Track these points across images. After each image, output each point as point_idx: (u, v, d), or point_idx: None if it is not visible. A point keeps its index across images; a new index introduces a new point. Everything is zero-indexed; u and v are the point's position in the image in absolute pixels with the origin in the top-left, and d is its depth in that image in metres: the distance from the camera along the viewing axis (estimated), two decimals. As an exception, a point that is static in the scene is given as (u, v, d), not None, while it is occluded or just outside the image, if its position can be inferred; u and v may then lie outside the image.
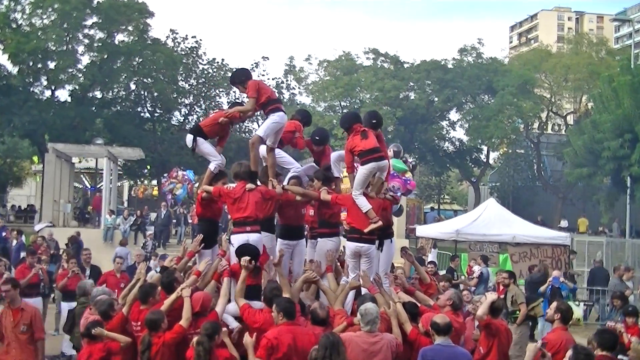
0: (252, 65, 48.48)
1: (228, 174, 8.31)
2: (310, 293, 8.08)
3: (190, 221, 26.76)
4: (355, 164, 8.08)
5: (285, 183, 8.37)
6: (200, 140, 8.25)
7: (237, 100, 8.70)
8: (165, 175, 32.29)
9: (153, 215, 28.70)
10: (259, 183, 8.05)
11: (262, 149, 8.32)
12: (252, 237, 7.62)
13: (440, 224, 25.61)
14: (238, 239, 7.66)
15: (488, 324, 7.43)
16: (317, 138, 8.94)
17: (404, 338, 6.92)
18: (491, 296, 7.76)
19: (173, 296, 7.05)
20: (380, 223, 7.76)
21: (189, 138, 8.28)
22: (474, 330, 8.12)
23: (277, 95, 8.38)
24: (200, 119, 47.31)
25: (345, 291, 7.59)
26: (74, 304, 12.22)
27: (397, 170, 10.11)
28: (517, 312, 11.97)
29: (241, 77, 8.31)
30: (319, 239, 8.55)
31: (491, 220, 20.62)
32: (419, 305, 7.59)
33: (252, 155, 8.05)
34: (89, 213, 32.24)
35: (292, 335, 6.36)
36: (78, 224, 28.05)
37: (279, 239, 8.53)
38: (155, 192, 41.58)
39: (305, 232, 8.90)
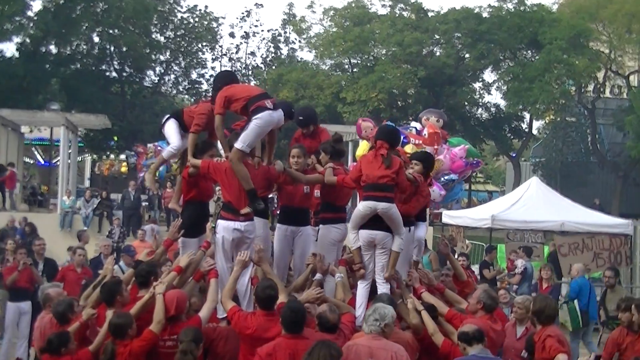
0: (242, 14, 48.47)
1: (217, 146, 8.29)
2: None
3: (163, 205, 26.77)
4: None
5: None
6: (170, 120, 8.47)
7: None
8: (132, 153, 32.16)
9: (119, 198, 28.72)
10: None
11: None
12: (245, 226, 7.68)
13: (472, 209, 25.57)
14: (227, 227, 7.67)
15: None
16: (300, 118, 8.90)
17: (434, 350, 6.90)
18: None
19: (146, 296, 7.03)
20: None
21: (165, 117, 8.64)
22: (516, 338, 8.10)
23: (258, 91, 8.11)
24: (179, 79, 47.40)
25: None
26: (24, 305, 12.30)
27: (472, 155, 9.94)
28: None
29: (217, 84, 8.33)
30: (320, 226, 8.54)
31: (534, 203, 20.54)
32: (437, 309, 7.55)
33: (238, 171, 7.74)
34: (42, 194, 32.24)
35: (291, 352, 6.30)
36: (29, 208, 28.06)
37: (277, 224, 8.54)
38: (124, 169, 41.54)
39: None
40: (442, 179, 9.38)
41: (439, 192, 9.35)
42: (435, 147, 9.21)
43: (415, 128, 9.56)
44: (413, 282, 7.97)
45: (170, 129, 8.44)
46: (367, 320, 6.49)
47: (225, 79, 8.42)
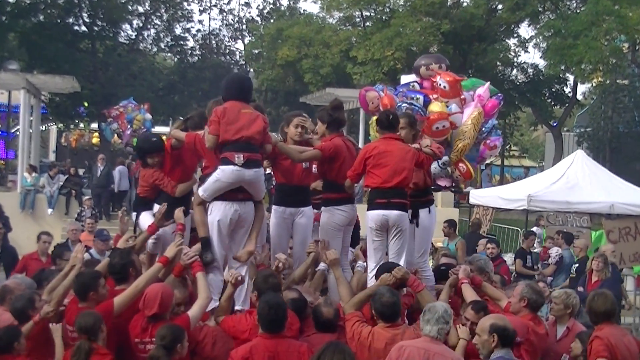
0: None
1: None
2: (313, 285, 8.04)
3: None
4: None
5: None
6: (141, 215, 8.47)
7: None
8: (110, 120, 32.14)
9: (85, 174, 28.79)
10: None
11: None
12: (243, 207, 7.70)
13: (505, 187, 25.53)
14: (224, 208, 7.68)
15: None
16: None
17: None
18: None
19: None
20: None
21: None
22: (555, 339, 8.07)
23: (244, 135, 7.67)
24: (160, 34, 47.24)
25: (368, 291, 7.47)
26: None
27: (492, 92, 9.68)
28: None
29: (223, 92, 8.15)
30: (323, 208, 8.52)
31: (579, 181, 20.49)
32: (487, 308, 7.48)
33: (195, 218, 7.96)
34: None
35: (270, 354, 6.34)
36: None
37: (274, 206, 8.53)
38: (96, 140, 41.63)
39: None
40: (484, 129, 9.23)
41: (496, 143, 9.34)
42: (462, 96, 9.05)
43: (417, 82, 9.36)
44: (461, 274, 7.91)
45: (145, 220, 8.35)
46: (429, 321, 6.49)
47: (236, 83, 8.28)
